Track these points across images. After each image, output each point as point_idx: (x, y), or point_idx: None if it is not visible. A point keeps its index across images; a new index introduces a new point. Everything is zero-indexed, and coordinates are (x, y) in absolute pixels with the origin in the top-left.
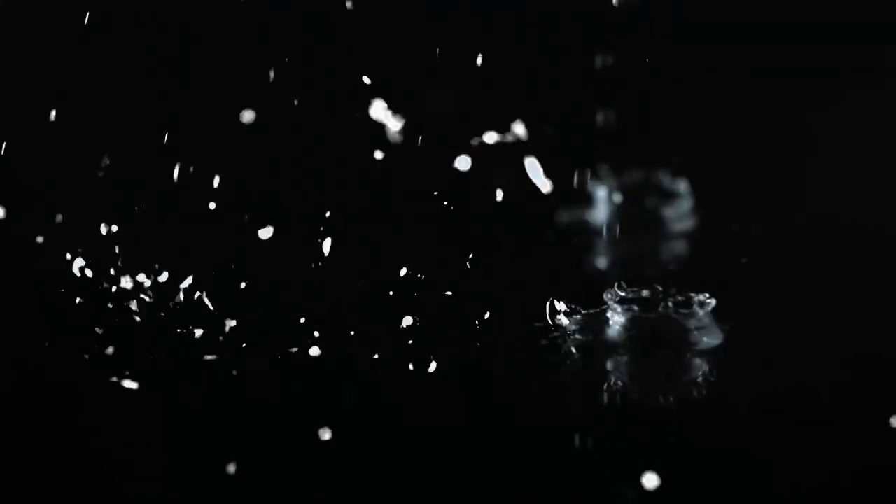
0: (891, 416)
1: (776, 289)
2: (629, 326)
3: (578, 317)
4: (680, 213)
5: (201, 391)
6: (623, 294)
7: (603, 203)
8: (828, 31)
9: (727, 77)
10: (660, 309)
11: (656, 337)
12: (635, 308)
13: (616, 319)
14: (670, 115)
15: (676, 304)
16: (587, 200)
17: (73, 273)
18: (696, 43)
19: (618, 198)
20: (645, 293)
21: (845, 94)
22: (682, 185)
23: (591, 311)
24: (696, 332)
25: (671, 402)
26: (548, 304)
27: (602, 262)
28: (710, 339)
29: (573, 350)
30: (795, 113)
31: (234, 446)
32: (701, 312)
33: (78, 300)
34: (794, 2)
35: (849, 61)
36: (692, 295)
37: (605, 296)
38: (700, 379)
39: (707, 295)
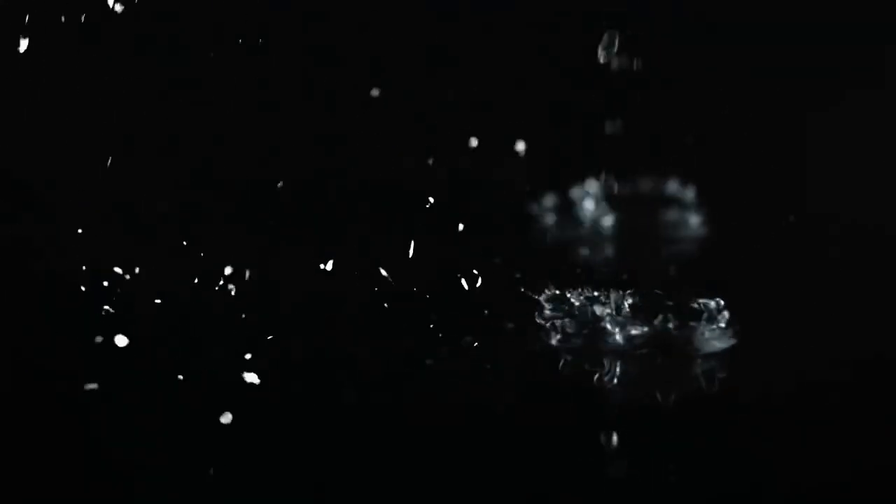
0: (891, 416)
1: (776, 289)
2: (630, 331)
3: (577, 319)
4: (680, 216)
5: (201, 391)
6: (621, 298)
7: (600, 207)
8: (828, 31)
9: (727, 77)
10: (661, 315)
11: (658, 342)
12: (635, 313)
13: (616, 324)
14: (670, 115)
15: (688, 311)
16: (585, 204)
17: (73, 273)
18: (696, 43)
19: (617, 200)
20: (645, 297)
21: (845, 94)
22: (683, 188)
23: (590, 313)
24: (704, 339)
25: (672, 402)
26: (547, 305)
27: (602, 267)
28: (719, 343)
29: (572, 353)
30: (795, 113)
31: (234, 446)
32: (713, 320)
33: (78, 300)
34: (794, 2)
35: (849, 61)
36: (704, 301)
37: (601, 299)
38: (701, 380)
39: (721, 302)
